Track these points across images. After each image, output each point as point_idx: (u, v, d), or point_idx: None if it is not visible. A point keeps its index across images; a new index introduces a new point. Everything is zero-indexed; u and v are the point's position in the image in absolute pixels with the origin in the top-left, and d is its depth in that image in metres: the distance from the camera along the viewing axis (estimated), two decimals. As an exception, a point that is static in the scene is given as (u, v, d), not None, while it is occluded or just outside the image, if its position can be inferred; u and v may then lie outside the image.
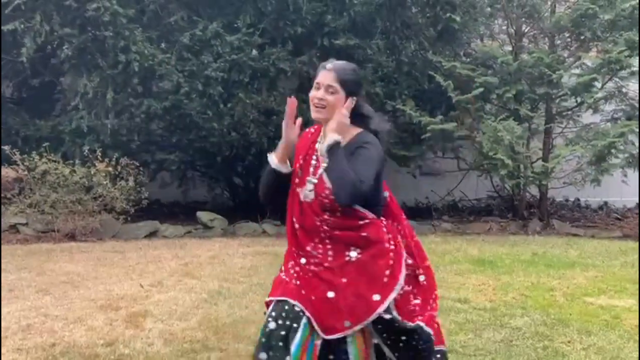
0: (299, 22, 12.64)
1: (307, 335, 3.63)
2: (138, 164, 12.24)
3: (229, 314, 6.83)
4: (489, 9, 14.06)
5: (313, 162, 3.77)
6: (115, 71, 12.09)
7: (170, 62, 12.24)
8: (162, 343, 5.98)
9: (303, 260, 3.76)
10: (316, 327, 3.65)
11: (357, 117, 3.75)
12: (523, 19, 14.10)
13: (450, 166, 14.86)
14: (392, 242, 3.78)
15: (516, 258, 10.14)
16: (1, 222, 11.87)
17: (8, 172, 11.58)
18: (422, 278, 3.86)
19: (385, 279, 3.71)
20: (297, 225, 3.78)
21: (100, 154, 11.71)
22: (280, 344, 3.59)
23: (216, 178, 14.73)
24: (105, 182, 11.79)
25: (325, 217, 3.72)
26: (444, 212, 14.98)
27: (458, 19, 12.96)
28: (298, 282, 3.72)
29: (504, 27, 14.73)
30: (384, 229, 3.79)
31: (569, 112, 13.93)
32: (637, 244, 11.10)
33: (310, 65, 12.34)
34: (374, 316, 3.68)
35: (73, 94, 12.25)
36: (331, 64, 3.71)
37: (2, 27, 11.83)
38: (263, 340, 3.62)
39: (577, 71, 13.54)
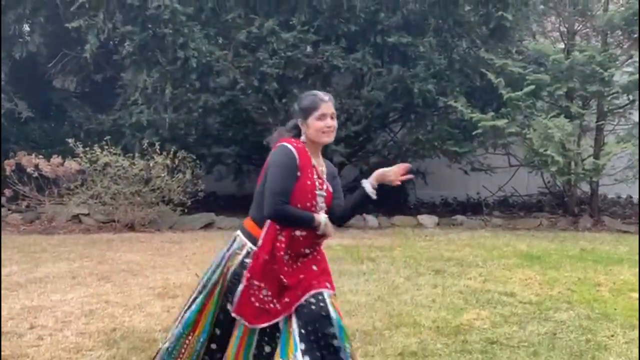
0: (352, 20, 12.80)
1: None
2: (195, 157, 12.58)
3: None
4: (541, 7, 14.02)
5: (315, 177, 4.22)
6: (174, 67, 12.41)
7: (227, 59, 12.52)
8: (215, 330, 6.22)
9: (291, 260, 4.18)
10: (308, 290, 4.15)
11: None
12: (575, 17, 14.04)
13: (501, 162, 14.91)
14: None
15: (564, 254, 10.15)
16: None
17: (71, 164, 11.89)
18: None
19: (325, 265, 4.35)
20: (302, 233, 4.14)
21: (158, 147, 12.04)
22: None
23: (271, 172, 14.92)
24: (163, 175, 12.11)
25: None
26: (495, 208, 15.07)
27: (510, 17, 12.95)
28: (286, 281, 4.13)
29: (556, 25, 14.73)
30: None
31: (621, 110, 13.83)
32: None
33: (364, 62, 12.53)
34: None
35: (133, 89, 12.59)
36: (326, 95, 4.26)
37: (67, 25, 12.22)
38: None
39: (629, 69, 13.46)
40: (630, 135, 13.13)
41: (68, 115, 14.09)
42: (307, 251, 4.18)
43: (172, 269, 8.77)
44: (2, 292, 7.27)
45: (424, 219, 13.29)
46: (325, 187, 4.27)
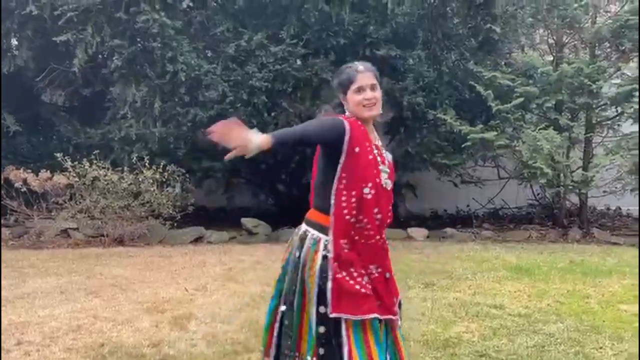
0: (341, 33, 12.84)
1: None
2: (184, 171, 12.57)
3: (270, 317, 6.99)
4: (529, 19, 14.07)
5: (375, 151, 3.91)
6: (163, 81, 12.41)
7: (216, 72, 12.52)
8: (205, 344, 6.17)
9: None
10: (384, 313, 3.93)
11: None
12: (563, 30, 14.09)
13: (490, 175, 14.93)
14: None
15: (553, 266, 10.14)
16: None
17: (60, 179, 11.84)
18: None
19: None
20: (379, 216, 4.03)
21: (148, 161, 12.01)
22: None
23: (260, 185, 14.93)
24: (152, 189, 12.07)
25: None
26: (484, 220, 15.10)
27: (498, 29, 13.00)
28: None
29: (545, 38, 14.79)
30: None
31: (609, 122, 13.90)
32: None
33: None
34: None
35: (122, 103, 12.56)
36: (362, 65, 3.92)
37: (55, 39, 12.20)
38: None
39: (618, 81, 13.52)
40: (619, 147, 13.16)
41: (56, 130, 14.06)
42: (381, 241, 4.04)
43: (162, 284, 8.71)
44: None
45: (414, 231, 13.29)
46: (387, 162, 3.99)
